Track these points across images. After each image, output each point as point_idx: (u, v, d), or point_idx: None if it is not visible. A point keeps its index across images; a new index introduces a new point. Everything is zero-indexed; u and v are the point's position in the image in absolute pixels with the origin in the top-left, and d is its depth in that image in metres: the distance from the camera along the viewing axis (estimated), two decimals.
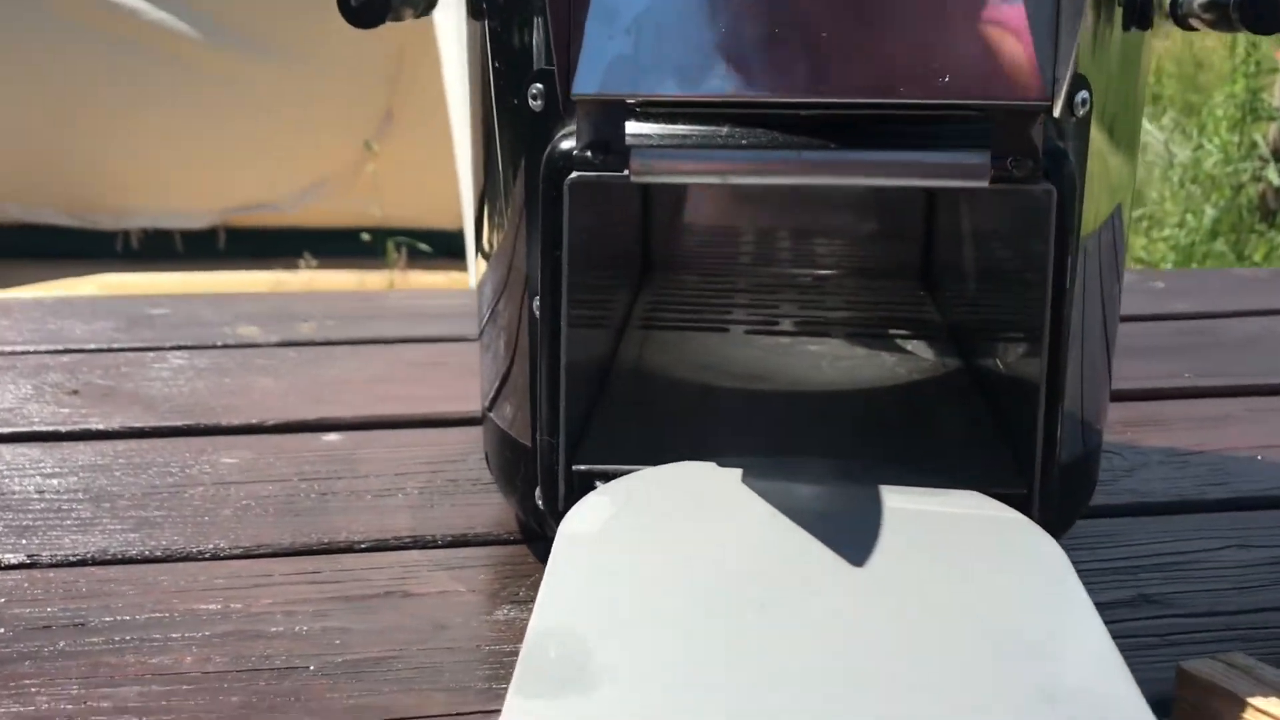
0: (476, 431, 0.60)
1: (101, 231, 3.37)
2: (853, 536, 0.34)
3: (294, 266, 3.19)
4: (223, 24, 3.20)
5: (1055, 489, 0.39)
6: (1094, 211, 0.44)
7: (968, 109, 0.35)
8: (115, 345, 0.76)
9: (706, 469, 0.39)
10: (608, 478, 0.39)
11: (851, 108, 0.36)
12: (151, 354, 0.74)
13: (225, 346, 0.76)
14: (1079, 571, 0.40)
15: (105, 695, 0.40)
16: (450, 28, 2.03)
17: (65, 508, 0.54)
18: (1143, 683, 0.40)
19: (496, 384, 0.47)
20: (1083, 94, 0.40)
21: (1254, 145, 2.48)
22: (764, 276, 0.62)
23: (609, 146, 0.37)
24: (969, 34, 0.34)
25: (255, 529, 0.52)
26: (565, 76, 0.36)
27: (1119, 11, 0.43)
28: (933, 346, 0.54)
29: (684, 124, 0.38)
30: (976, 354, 0.51)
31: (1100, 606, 0.46)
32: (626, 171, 0.37)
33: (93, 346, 0.75)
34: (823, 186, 0.39)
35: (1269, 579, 0.49)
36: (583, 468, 0.40)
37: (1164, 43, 3.07)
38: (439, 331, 0.79)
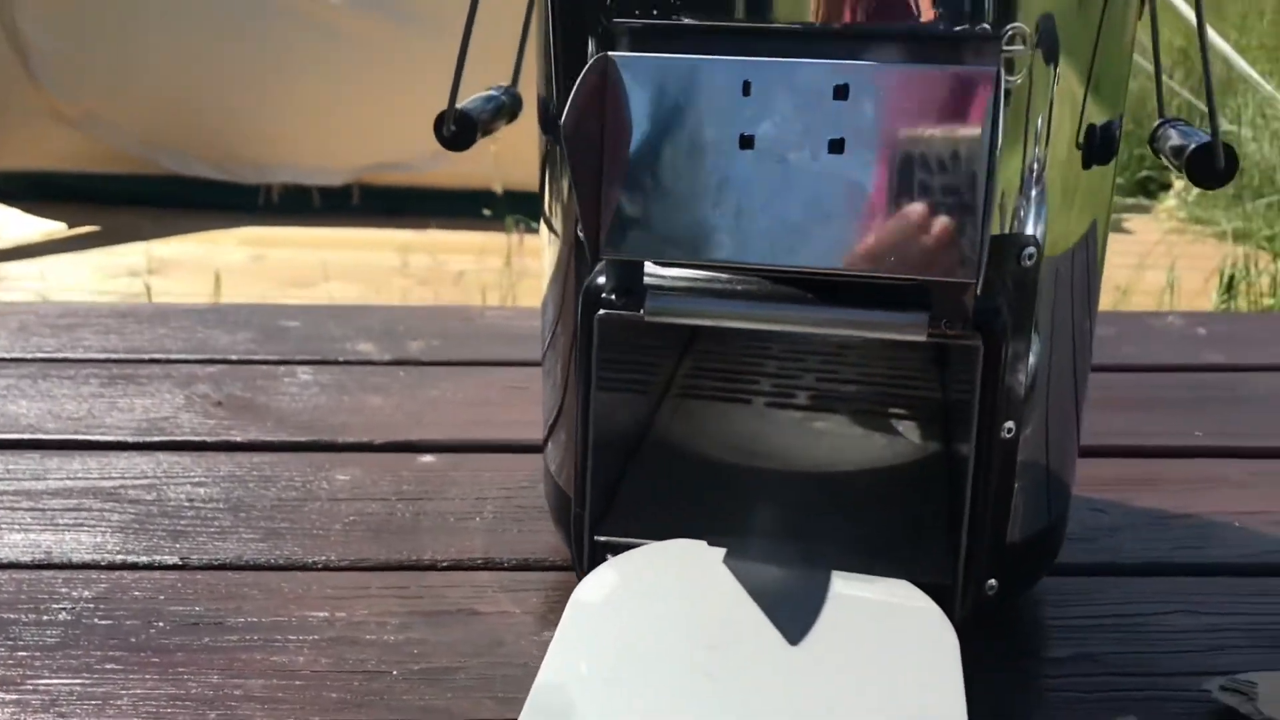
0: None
1: (245, 185, 3.59)
2: (794, 616, 0.44)
3: (422, 227, 3.36)
4: None
5: (980, 579, 0.48)
6: (1054, 319, 0.51)
7: (912, 280, 0.44)
8: (253, 357, 0.88)
9: (698, 547, 0.48)
10: (622, 548, 0.49)
11: (823, 273, 0.45)
12: (283, 368, 0.87)
13: (346, 363, 0.88)
14: (1032, 627, 0.54)
15: (237, 685, 0.53)
16: None
17: (210, 516, 0.67)
18: None
19: (550, 421, 0.57)
20: (1029, 250, 0.48)
21: None
22: (799, 342, 0.71)
23: (630, 290, 0.47)
24: (915, 222, 0.43)
25: (359, 545, 0.64)
26: (594, 238, 0.45)
27: (1078, 156, 0.51)
28: (921, 430, 0.63)
29: (692, 272, 0.47)
30: (951, 440, 0.59)
31: (1042, 662, 0.55)
32: (642, 311, 0.47)
33: (234, 358, 0.88)
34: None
35: (1202, 645, 0.56)
36: (602, 539, 0.50)
37: None
38: (531, 355, 0.90)
